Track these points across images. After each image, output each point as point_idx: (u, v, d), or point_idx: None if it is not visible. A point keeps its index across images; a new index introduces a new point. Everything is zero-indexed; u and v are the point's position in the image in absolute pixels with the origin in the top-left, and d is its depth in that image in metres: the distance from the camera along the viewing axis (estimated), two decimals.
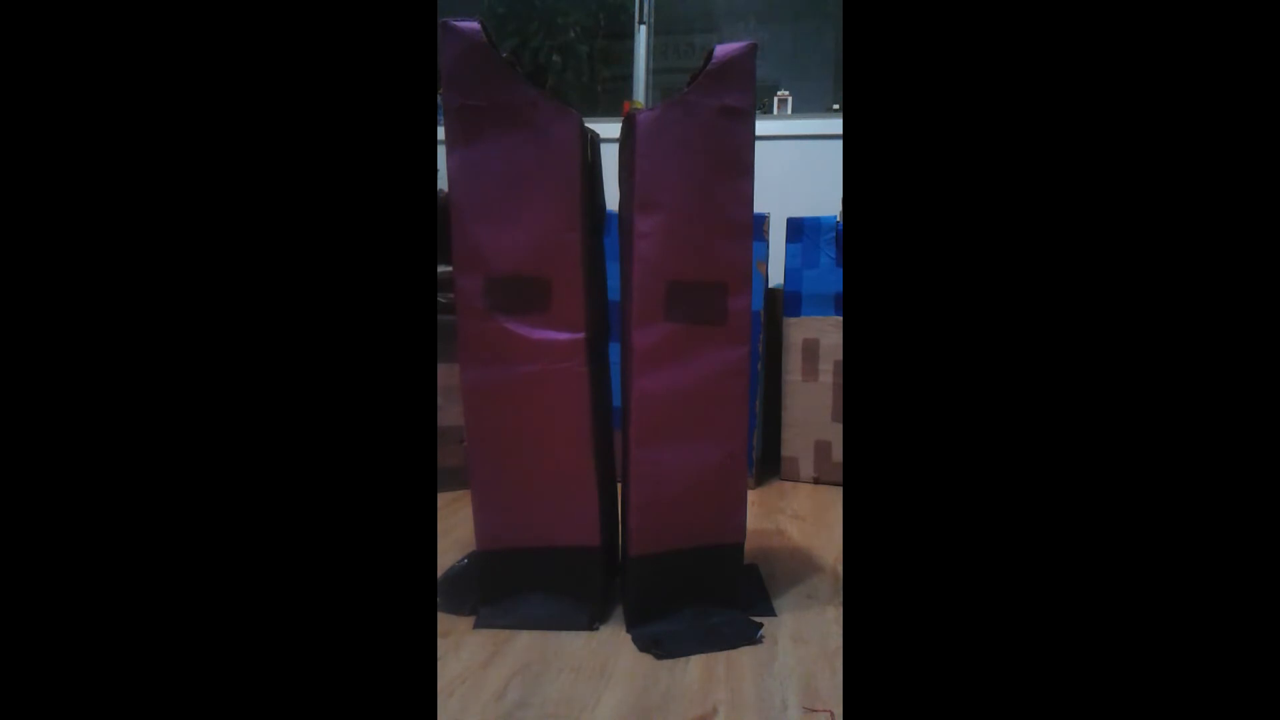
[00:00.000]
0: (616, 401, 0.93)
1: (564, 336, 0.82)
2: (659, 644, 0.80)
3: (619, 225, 0.87)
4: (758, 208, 0.88)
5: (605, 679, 0.75)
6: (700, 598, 0.88)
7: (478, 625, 0.85)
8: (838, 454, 1.44)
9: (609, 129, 1.02)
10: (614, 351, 0.92)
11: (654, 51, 2.15)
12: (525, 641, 0.82)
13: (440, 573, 0.98)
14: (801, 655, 0.80)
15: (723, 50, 0.78)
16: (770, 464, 1.53)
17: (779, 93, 2.07)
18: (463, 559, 1.01)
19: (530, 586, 0.88)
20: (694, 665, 0.78)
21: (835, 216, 1.41)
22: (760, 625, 0.85)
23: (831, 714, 0.69)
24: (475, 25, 0.76)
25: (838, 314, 1.41)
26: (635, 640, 0.82)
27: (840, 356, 1.41)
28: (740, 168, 0.80)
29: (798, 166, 1.96)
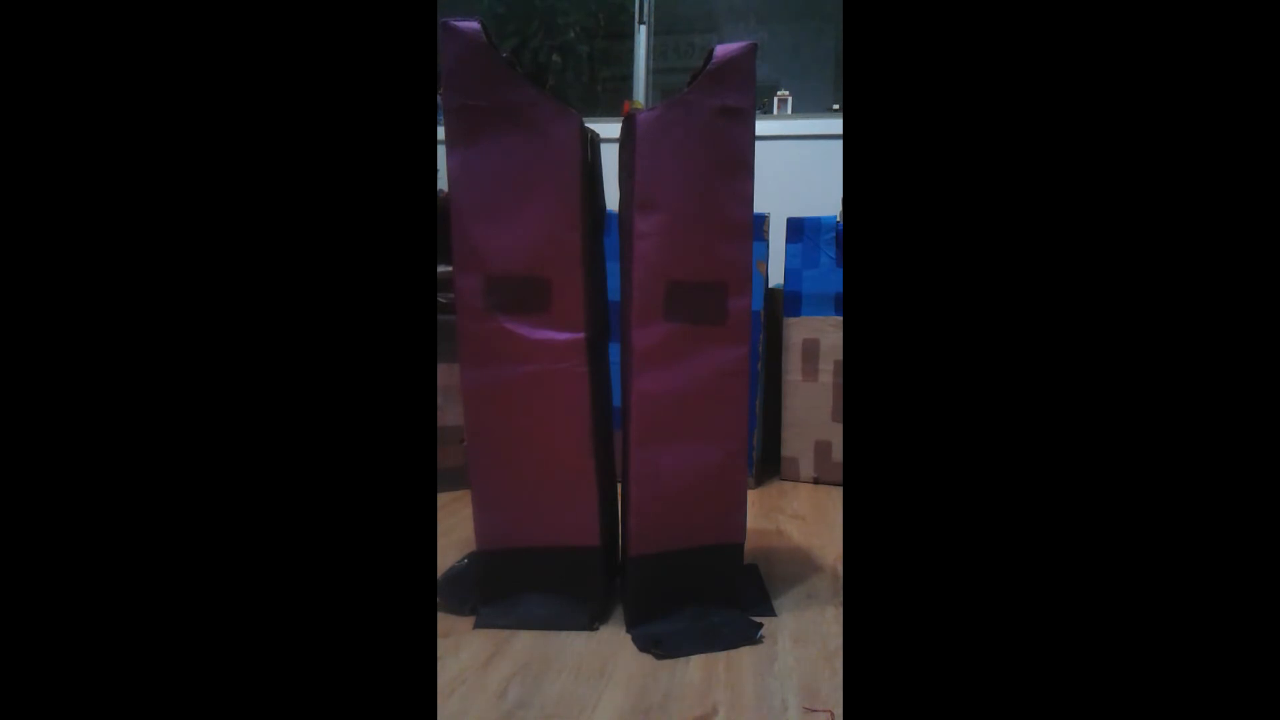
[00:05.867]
0: (616, 401, 0.93)
1: (563, 336, 0.82)
2: (659, 644, 0.80)
3: (619, 225, 0.87)
4: (758, 208, 0.88)
5: (605, 679, 0.75)
6: (700, 598, 0.88)
7: (478, 625, 0.85)
8: (838, 454, 1.44)
9: (609, 129, 1.02)
10: (614, 351, 0.92)
11: (654, 51, 2.15)
12: (525, 641, 0.82)
13: (440, 573, 0.98)
14: (801, 655, 0.80)
15: (723, 50, 0.78)
16: (770, 464, 1.53)
17: (779, 93, 2.08)
18: (463, 559, 1.01)
19: (530, 586, 0.88)
20: (694, 665, 0.78)
21: (835, 216, 1.41)
22: (760, 625, 0.85)
23: (831, 714, 0.69)
24: (475, 25, 0.76)
25: (838, 314, 1.41)
26: (635, 640, 0.82)
27: (840, 356, 1.41)
28: (740, 168, 0.80)
29: (798, 166, 1.96)
